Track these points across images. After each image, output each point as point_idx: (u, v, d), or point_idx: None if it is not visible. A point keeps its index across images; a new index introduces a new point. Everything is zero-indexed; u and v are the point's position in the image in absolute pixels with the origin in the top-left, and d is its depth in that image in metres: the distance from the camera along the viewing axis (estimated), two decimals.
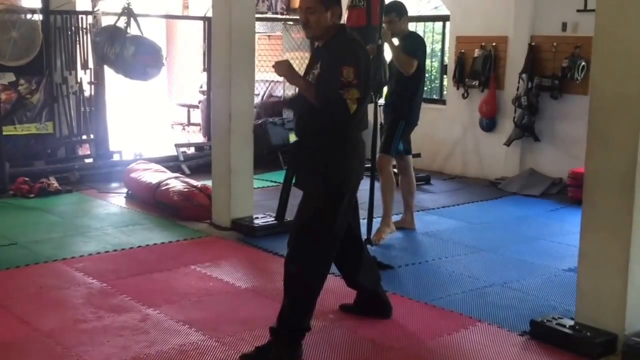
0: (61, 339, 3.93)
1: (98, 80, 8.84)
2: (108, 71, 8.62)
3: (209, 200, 6.61)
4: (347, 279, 4.32)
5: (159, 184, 7.01)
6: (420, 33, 8.91)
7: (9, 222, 6.49)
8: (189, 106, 12.83)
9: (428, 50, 7.13)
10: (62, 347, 3.83)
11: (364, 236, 4.50)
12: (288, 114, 9.67)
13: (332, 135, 3.71)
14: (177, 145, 9.29)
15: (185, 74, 13.55)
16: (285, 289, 3.76)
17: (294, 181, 3.97)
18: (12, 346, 3.86)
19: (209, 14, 7.22)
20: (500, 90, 8.64)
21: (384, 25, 5.52)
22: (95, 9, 8.68)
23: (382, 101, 6.14)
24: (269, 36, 11.32)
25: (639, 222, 3.73)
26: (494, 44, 8.63)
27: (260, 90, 11.01)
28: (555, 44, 8.10)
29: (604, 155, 3.82)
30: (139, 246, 5.79)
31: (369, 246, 5.15)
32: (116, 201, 7.42)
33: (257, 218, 6.25)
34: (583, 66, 7.74)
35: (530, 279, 5.13)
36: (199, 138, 10.89)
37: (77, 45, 8.59)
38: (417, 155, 8.16)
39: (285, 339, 3.69)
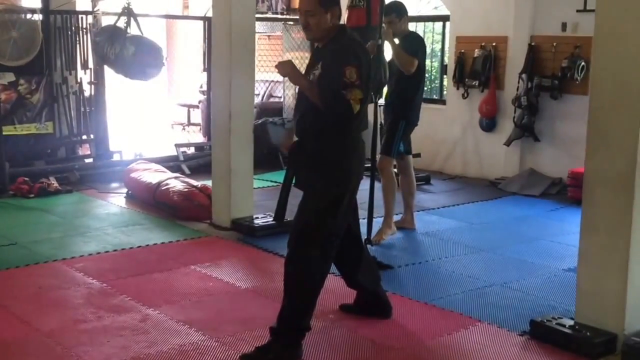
0: (61, 339, 3.93)
1: (98, 80, 8.83)
2: (108, 71, 8.62)
3: (209, 200, 6.61)
4: (347, 279, 4.32)
5: (159, 184, 7.00)
6: (420, 33, 8.90)
7: (9, 222, 6.49)
8: (189, 106, 12.83)
9: (428, 50, 7.13)
10: (62, 347, 3.83)
11: (364, 236, 4.50)
12: (288, 114, 9.67)
13: (333, 135, 3.71)
14: (177, 145, 9.29)
15: (185, 74, 13.55)
16: (285, 289, 3.76)
17: (294, 181, 3.97)
18: (12, 346, 3.86)
19: (209, 14, 7.22)
20: (500, 90, 8.64)
21: (384, 25, 5.52)
22: (95, 9, 8.68)
23: (382, 101, 6.14)
24: (269, 36, 11.32)
25: (639, 222, 3.73)
26: (494, 44, 8.62)
27: (260, 90, 11.01)
28: (555, 44, 8.10)
29: (603, 155, 3.82)
30: (139, 246, 5.79)
31: (369, 246, 5.14)
32: (116, 201, 7.42)
33: (257, 218, 6.25)
34: (583, 66, 7.74)
35: (530, 279, 5.13)
36: (199, 138, 10.88)
37: (77, 45, 8.58)
38: (417, 155, 8.15)
39: (286, 339, 3.69)
